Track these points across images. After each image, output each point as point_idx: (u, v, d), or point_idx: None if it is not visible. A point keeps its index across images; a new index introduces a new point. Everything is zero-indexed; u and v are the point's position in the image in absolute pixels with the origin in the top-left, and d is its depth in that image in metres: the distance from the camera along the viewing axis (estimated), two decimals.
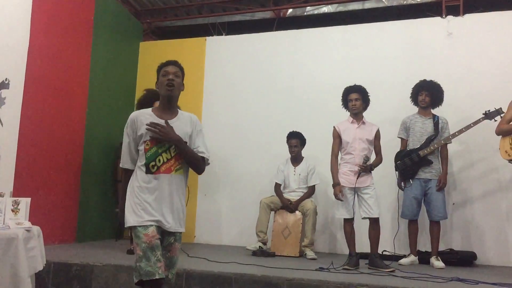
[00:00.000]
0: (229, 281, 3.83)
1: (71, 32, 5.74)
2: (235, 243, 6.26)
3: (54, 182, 5.42)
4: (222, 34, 7.16)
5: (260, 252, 5.25)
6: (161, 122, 2.70)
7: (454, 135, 4.93)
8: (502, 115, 4.63)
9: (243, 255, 5.20)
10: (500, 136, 4.44)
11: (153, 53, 7.27)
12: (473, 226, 5.50)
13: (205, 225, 6.59)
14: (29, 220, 3.50)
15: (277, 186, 5.71)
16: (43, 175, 5.25)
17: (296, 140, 5.64)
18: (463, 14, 5.94)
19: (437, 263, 4.77)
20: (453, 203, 5.58)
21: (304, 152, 5.75)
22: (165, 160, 2.69)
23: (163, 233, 2.70)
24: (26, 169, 4.97)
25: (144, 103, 5.39)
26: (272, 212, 5.60)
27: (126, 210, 2.68)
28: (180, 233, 2.80)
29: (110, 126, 6.41)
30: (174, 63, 2.83)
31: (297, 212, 5.49)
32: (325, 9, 7.05)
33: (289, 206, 5.50)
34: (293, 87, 6.51)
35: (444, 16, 6.01)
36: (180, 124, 2.78)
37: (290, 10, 7.21)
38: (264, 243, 5.47)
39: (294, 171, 5.67)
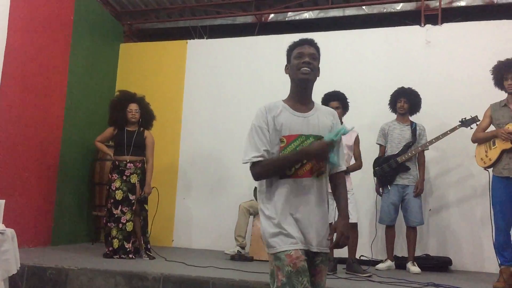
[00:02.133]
0: (207, 285, 3.81)
1: (49, 32, 5.65)
2: (214, 247, 6.22)
3: (29, 184, 5.31)
4: (203, 38, 7.14)
5: (238, 257, 5.23)
6: (298, 115, 2.27)
7: (431, 142, 5.00)
8: (478, 123, 4.70)
9: (221, 259, 5.17)
10: (476, 144, 4.53)
11: (133, 55, 7.24)
12: (449, 231, 5.58)
13: (184, 229, 6.54)
14: (3, 223, 3.44)
15: (256, 191, 5.69)
16: (18, 177, 5.15)
17: None
18: (441, 23, 6.05)
19: (413, 268, 4.82)
20: (430, 209, 5.65)
21: None
22: (304, 161, 2.22)
23: (307, 254, 2.18)
24: (1, 171, 4.87)
25: (117, 105, 5.35)
26: (251, 217, 5.58)
27: (261, 227, 2.25)
28: (327, 253, 2.26)
29: (88, 128, 6.31)
30: (310, 42, 2.34)
31: None
32: (306, 15, 7.10)
33: None
34: (273, 92, 6.44)
35: (423, 25, 6.10)
36: (321, 115, 2.33)
37: (271, 15, 7.25)
38: (243, 248, 5.44)
39: None
